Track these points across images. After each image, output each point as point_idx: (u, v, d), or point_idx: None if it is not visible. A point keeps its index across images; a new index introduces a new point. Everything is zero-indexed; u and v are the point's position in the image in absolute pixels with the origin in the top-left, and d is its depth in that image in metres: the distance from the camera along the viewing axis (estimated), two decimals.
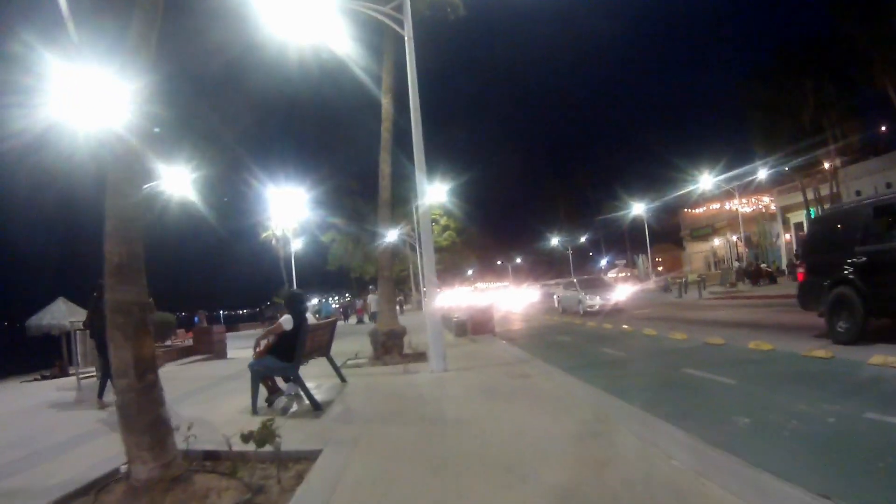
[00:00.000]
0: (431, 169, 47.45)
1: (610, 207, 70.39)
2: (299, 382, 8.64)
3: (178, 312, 43.80)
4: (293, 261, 47.52)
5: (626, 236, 79.71)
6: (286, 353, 8.73)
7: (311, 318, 10.27)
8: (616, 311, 26.08)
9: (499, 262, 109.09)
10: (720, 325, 16.12)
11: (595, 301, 26.80)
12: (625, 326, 18.61)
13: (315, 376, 10.86)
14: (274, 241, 53.98)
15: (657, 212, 61.06)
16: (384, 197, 14.55)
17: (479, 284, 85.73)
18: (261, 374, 8.85)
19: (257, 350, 9.21)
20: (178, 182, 23.28)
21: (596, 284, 29.58)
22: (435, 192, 49.27)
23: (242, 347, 22.30)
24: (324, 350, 10.66)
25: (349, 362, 14.18)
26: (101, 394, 10.29)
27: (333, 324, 11.29)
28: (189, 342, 22.00)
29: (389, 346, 13.79)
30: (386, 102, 14.37)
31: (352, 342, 17.62)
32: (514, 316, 33.28)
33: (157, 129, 15.35)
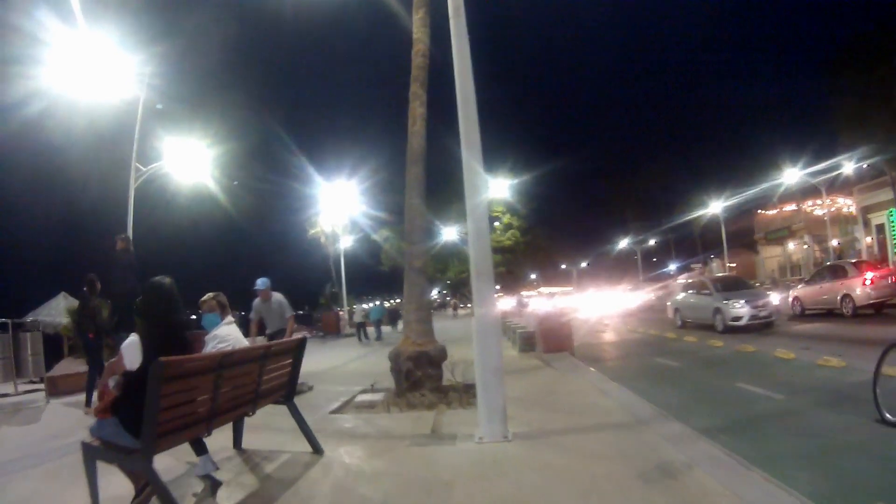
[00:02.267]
0: (493, 159, 44.23)
1: (680, 208, 66.96)
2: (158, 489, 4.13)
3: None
4: (342, 259, 44.84)
5: (698, 239, 74.22)
6: (133, 417, 4.17)
7: (233, 335, 5.62)
8: (764, 326, 17.80)
9: (563, 266, 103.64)
10: None
11: (743, 311, 17.54)
12: (782, 351, 11.83)
13: (277, 430, 6.68)
14: (323, 239, 50.04)
15: (729, 214, 57.85)
16: (415, 148, 9.57)
17: (543, 289, 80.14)
18: (98, 454, 4.51)
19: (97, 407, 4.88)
20: (206, 175, 20.87)
21: (738, 286, 19.86)
22: (497, 187, 46.19)
23: None
24: (280, 392, 6.10)
25: (357, 399, 9.53)
26: (88, 400, 9.39)
27: (297, 347, 6.22)
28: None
29: (419, 378, 8.80)
30: (418, 19, 10.10)
31: (381, 359, 12.68)
32: (592, 326, 26.43)
33: (159, 106, 15.71)
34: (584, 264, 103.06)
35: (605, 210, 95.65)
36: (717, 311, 18.25)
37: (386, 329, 31.13)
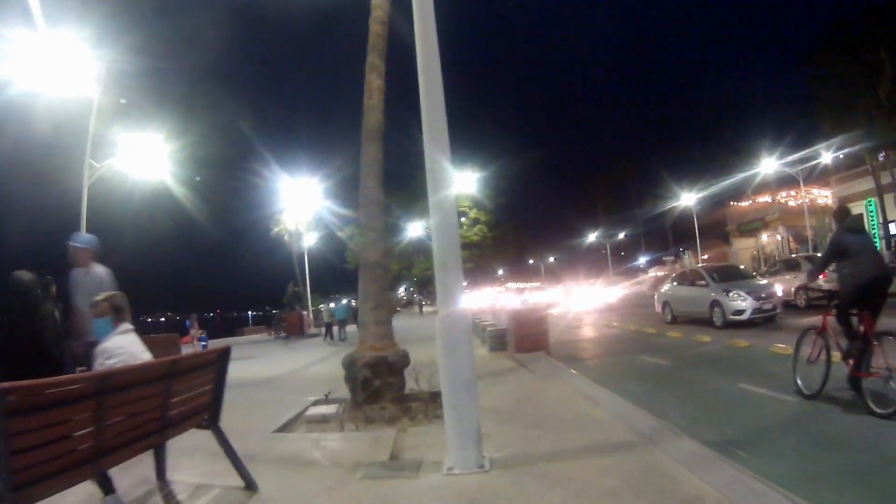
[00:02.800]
0: (460, 152, 43.43)
1: (652, 201, 67.54)
2: None
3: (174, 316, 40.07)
4: (306, 257, 43.85)
5: (669, 231, 74.41)
6: None
7: (126, 348, 4.48)
8: (767, 320, 16.20)
9: (531, 262, 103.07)
10: None
11: (745, 304, 15.98)
12: (780, 346, 10.80)
13: (214, 453, 5.11)
14: (286, 237, 48.68)
15: (702, 206, 58.72)
16: (371, 124, 8.40)
17: (511, 284, 79.19)
18: None
19: None
20: (166, 171, 20.59)
21: (736, 276, 18.29)
22: (464, 181, 45.21)
23: (235, 359, 17.37)
24: (201, 415, 4.97)
25: (309, 412, 8.32)
26: None
27: (218, 359, 4.97)
28: None
29: (377, 388, 7.62)
30: None
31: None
32: (568, 323, 24.84)
33: (123, 101, 12.22)
34: (551, 259, 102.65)
35: (574, 204, 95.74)
36: (716, 303, 16.66)
37: (352, 328, 30.03)
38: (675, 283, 20.21)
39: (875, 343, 6.37)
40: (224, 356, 4.95)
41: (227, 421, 5.08)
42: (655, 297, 21.92)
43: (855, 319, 6.93)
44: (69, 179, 17.03)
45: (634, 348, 14.11)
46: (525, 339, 13.26)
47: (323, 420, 7.72)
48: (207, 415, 4.90)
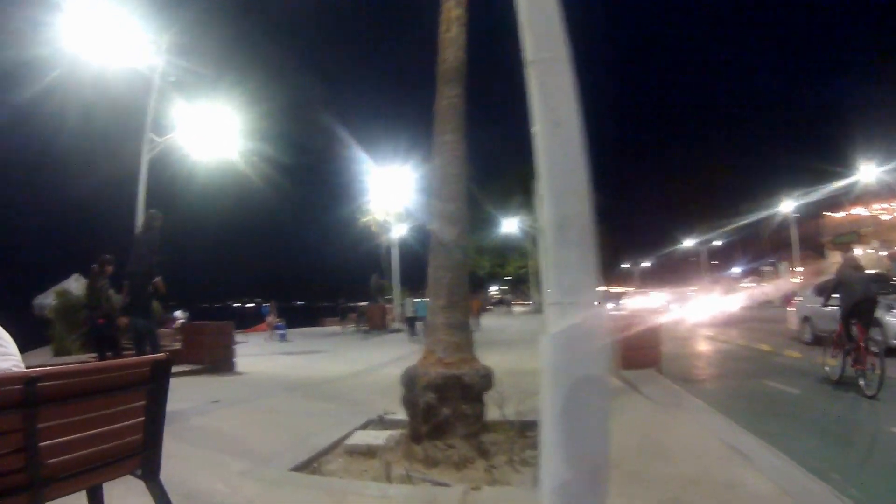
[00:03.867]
0: None
1: (748, 208, 62.51)
2: None
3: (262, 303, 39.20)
4: (395, 250, 41.68)
5: (765, 241, 70.29)
6: None
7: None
8: None
9: (625, 266, 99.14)
10: None
11: None
12: None
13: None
14: (374, 227, 47.18)
15: (797, 216, 54.74)
16: (449, 62, 6.32)
17: (605, 289, 75.69)
18: None
19: None
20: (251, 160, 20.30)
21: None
22: None
23: (305, 352, 18.15)
24: (128, 462, 2.92)
25: (353, 439, 6.23)
26: None
27: (150, 376, 2.88)
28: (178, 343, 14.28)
29: (446, 420, 5.49)
30: None
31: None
32: (679, 334, 21.43)
33: (172, 79, 15.75)
34: (645, 264, 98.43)
35: (669, 208, 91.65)
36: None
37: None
38: (816, 296, 15.90)
39: None
40: (160, 372, 2.92)
41: (247, 438, 4.94)
42: (791, 309, 18.54)
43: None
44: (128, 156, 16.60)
45: (753, 369, 12.19)
46: (633, 352, 10.82)
47: (367, 453, 5.71)
48: (138, 460, 2.90)
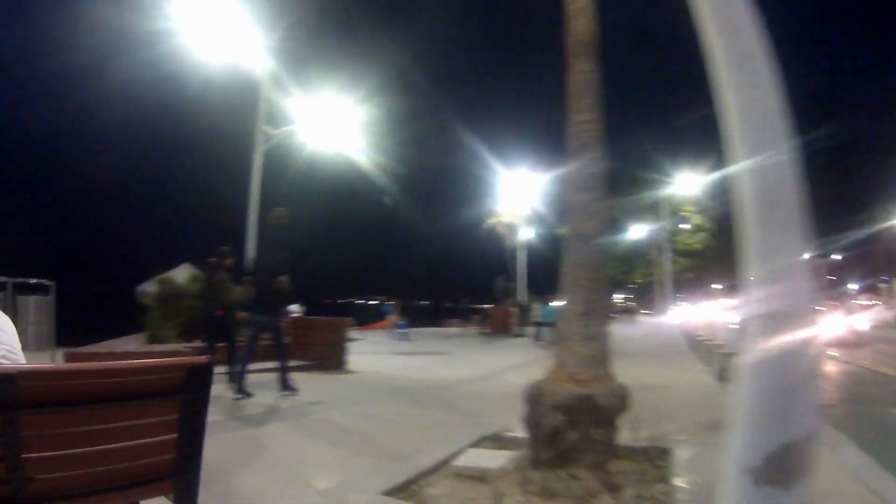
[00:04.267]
0: (687, 149, 40.33)
1: (864, 221, 59.22)
2: None
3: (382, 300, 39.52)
4: (522, 253, 41.42)
5: (880, 256, 67.40)
6: None
7: None
8: None
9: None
10: None
11: None
12: None
13: None
14: (501, 230, 46.44)
15: None
16: (579, 34, 5.49)
17: (722, 301, 71.30)
18: None
19: None
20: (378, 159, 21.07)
21: None
22: (687, 182, 44.38)
23: (423, 353, 17.49)
24: (157, 485, 2.27)
25: (463, 459, 5.32)
26: (239, 387, 8.18)
27: (188, 382, 2.17)
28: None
29: (573, 446, 4.56)
30: None
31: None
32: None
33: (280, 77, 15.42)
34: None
35: None
36: None
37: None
38: None
39: None
40: (198, 379, 2.18)
41: (340, 449, 4.71)
42: None
43: None
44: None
45: (882, 396, 11.52)
46: None
47: (478, 478, 4.84)
48: (168, 486, 2.17)
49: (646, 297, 59.88)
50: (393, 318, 26.99)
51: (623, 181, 41.09)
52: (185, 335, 11.95)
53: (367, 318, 33.12)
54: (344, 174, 21.81)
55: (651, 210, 46.38)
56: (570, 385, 4.59)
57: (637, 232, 47.51)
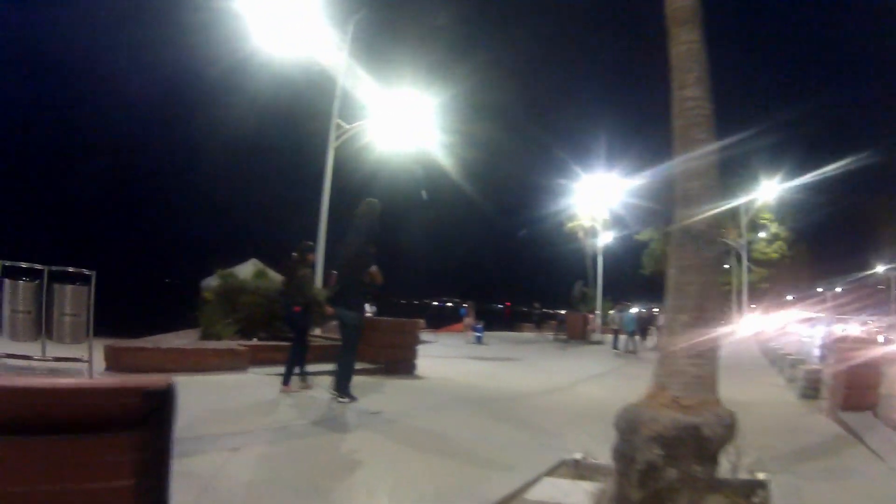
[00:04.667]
0: (767, 153, 38.27)
1: None
2: None
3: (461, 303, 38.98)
4: (600, 258, 39.89)
5: None
6: None
7: None
8: None
9: (819, 289, 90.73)
10: None
11: None
12: None
13: None
14: (580, 234, 45.49)
15: None
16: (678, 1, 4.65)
17: (795, 311, 68.50)
18: None
19: None
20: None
21: None
22: (765, 190, 44.03)
23: (497, 359, 16.96)
24: None
25: (536, 492, 4.58)
26: (286, 378, 8.17)
27: (150, 412, 1.50)
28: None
29: (671, 485, 3.74)
30: None
31: (632, 383, 8.68)
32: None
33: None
34: (838, 289, 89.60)
35: (859, 231, 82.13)
36: None
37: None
38: None
39: None
40: (157, 408, 1.49)
41: (393, 473, 4.52)
42: None
43: None
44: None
45: None
46: (854, 388, 8.33)
47: None
48: None
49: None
50: (469, 320, 26.50)
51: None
52: (245, 332, 11.40)
53: (442, 321, 32.64)
54: (418, 172, 21.53)
55: (731, 218, 44.90)
56: (673, 412, 3.80)
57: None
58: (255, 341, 10.88)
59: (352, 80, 16.10)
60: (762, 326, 45.74)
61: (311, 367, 8.72)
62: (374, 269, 8.02)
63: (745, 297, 48.81)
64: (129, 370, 8.19)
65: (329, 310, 8.22)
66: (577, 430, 6.56)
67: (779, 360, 14.67)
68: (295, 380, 8.20)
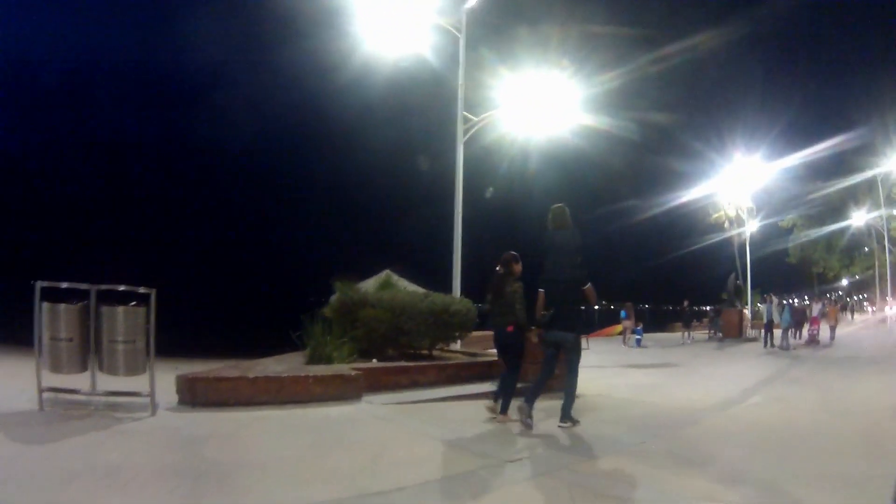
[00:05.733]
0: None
1: None
2: None
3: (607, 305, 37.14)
4: (748, 249, 38.06)
5: None
6: None
7: None
8: None
9: None
10: None
11: None
12: None
13: None
14: (726, 224, 42.45)
15: None
16: None
17: None
18: None
19: None
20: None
21: None
22: None
23: (655, 365, 15.73)
24: None
25: None
26: (504, 406, 7.51)
27: None
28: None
29: None
30: None
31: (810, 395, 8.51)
32: None
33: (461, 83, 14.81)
34: None
35: None
36: None
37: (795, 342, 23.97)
38: None
39: None
40: None
41: None
42: None
43: None
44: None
45: None
46: None
47: None
48: None
49: (862, 292, 53.78)
50: (629, 322, 24.78)
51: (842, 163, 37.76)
52: (366, 352, 9.70)
53: (589, 325, 30.61)
54: (551, 160, 20.13)
55: (870, 195, 41.81)
56: None
57: (857, 219, 44.10)
58: (374, 362, 9.26)
59: (478, 66, 15.47)
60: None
61: (458, 389, 8.38)
62: (588, 286, 7.37)
63: (888, 280, 44.01)
64: (208, 404, 7.00)
65: (534, 337, 7.58)
66: (805, 480, 4.76)
67: None
68: (512, 406, 7.26)
